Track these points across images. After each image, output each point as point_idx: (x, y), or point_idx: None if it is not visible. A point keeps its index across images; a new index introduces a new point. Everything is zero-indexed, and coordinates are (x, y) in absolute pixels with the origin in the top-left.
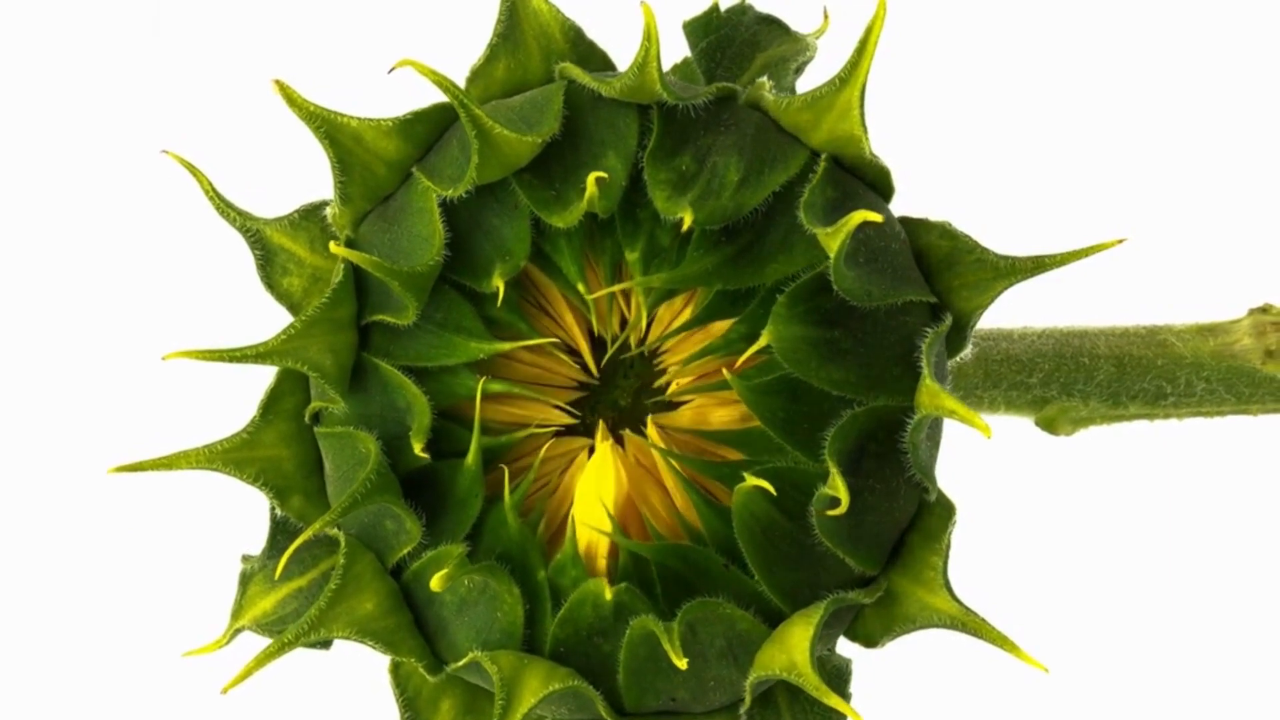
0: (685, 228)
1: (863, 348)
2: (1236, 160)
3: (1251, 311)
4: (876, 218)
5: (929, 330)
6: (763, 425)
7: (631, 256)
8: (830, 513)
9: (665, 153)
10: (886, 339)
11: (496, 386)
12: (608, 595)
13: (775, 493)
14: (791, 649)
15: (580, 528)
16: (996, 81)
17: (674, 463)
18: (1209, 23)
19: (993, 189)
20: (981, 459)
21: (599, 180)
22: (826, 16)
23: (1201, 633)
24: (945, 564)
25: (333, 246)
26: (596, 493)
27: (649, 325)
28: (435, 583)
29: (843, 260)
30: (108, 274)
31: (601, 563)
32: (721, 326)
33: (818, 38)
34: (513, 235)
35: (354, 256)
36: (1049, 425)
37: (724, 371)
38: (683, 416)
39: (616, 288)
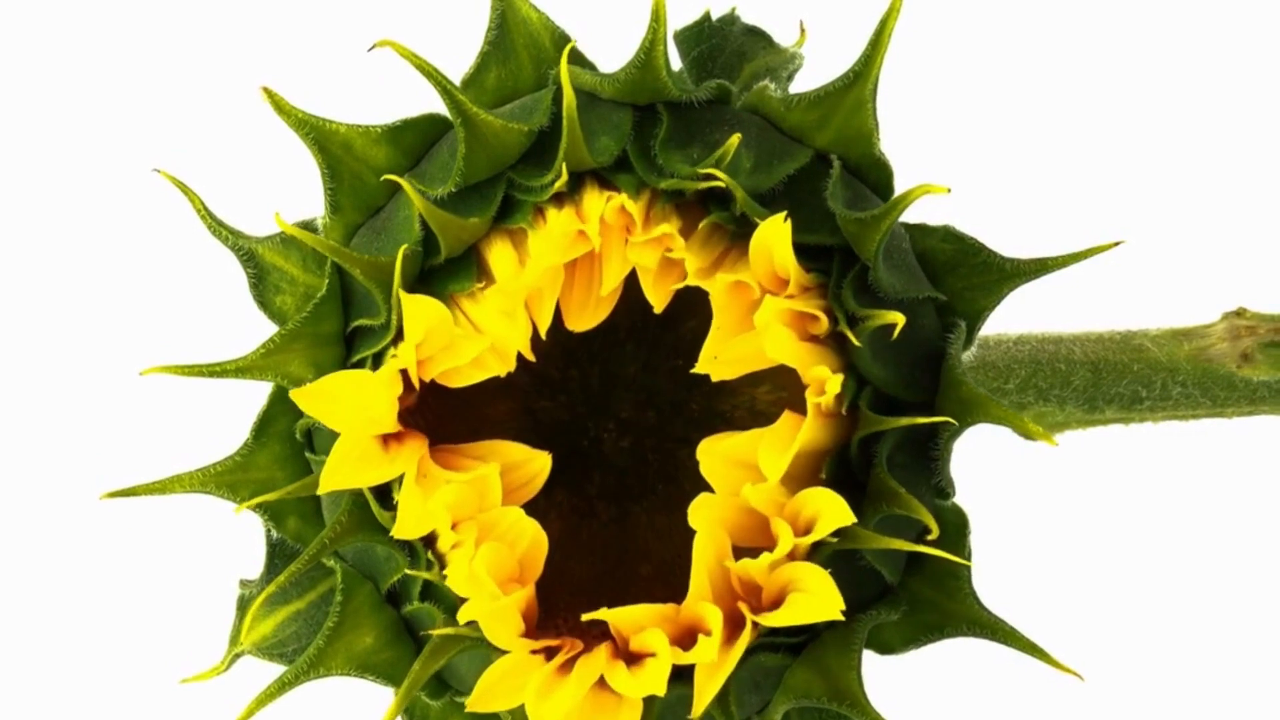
0: (733, 149)
1: (889, 350)
2: (1210, 164)
3: (1226, 315)
4: (941, 189)
5: (949, 336)
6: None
7: (663, 184)
8: (929, 538)
9: (675, 144)
10: (910, 339)
11: None
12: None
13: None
14: (834, 676)
15: None
16: (975, 83)
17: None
18: (1195, 27)
19: (967, 190)
20: (957, 463)
21: (571, 61)
22: (803, 30)
23: (1198, 632)
24: (969, 571)
25: (277, 219)
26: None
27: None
28: (390, 711)
29: (882, 248)
30: (99, 289)
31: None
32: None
33: (797, 49)
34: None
35: (306, 237)
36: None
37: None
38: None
39: (702, 170)
